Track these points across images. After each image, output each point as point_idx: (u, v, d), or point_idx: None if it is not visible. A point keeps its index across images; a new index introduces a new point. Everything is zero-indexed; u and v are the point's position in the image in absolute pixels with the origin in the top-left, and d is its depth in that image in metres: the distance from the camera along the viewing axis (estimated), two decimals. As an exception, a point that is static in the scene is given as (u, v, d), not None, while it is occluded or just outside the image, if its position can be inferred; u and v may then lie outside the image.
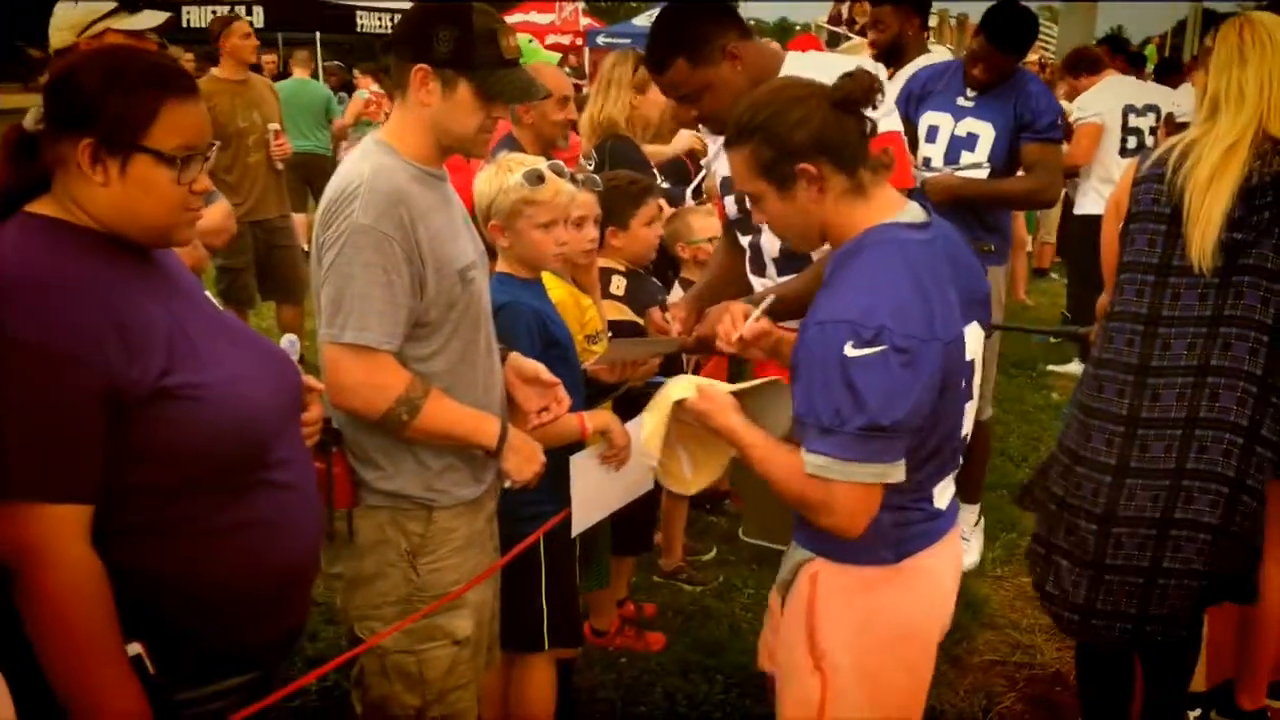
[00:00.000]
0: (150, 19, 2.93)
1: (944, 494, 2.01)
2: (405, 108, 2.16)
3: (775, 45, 3.14)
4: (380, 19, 15.22)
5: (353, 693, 2.31)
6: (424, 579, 2.18)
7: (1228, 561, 2.48)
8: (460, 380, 2.18)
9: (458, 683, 2.25)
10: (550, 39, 20.28)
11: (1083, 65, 6.66)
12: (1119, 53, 7.14)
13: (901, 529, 1.93)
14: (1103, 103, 6.12)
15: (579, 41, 18.37)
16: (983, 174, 4.03)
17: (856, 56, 4.26)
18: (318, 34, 15.11)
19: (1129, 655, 2.80)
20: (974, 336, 1.95)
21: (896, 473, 1.81)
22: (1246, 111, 2.39)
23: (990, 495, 4.60)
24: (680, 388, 2.10)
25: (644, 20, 19.69)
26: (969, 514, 4.28)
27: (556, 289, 2.75)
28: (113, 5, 2.88)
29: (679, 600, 3.89)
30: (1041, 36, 14.32)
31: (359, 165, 2.09)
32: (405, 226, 2.03)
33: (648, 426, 2.12)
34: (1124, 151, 5.96)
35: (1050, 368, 6.73)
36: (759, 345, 2.20)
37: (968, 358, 1.92)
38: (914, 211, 1.93)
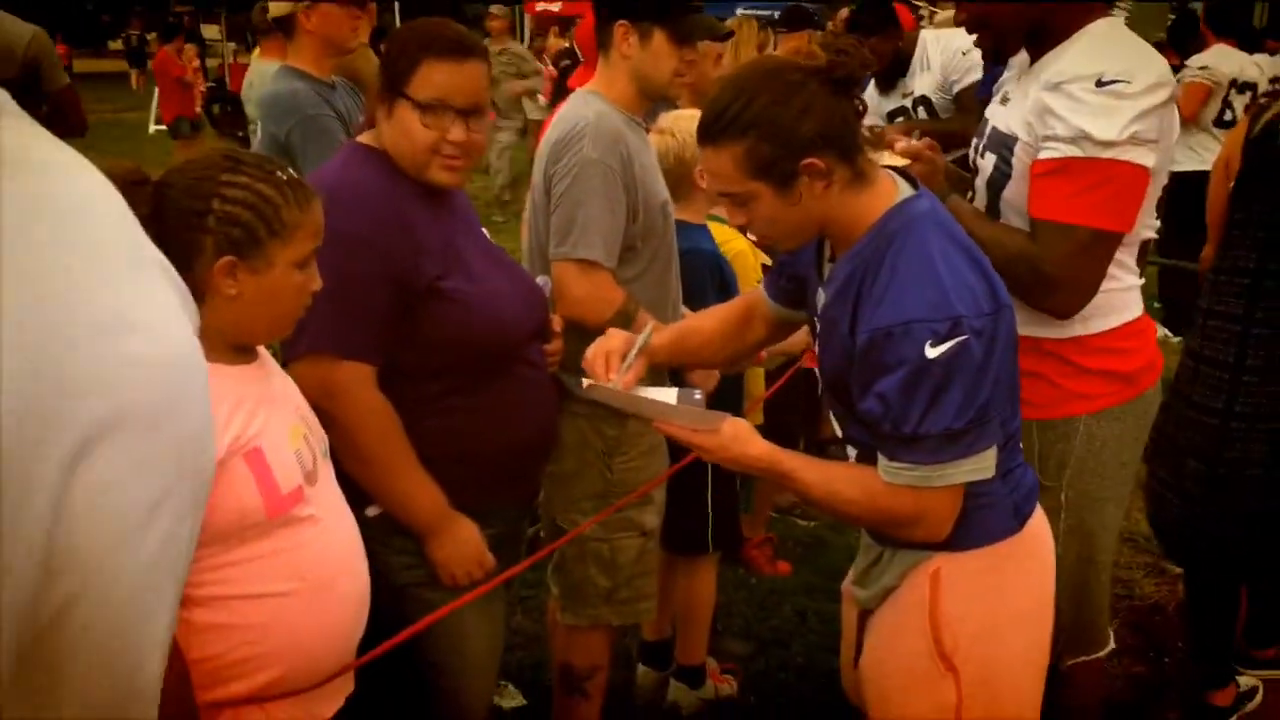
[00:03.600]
0: None
1: None
2: (610, 62, 2.47)
3: None
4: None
5: (550, 576, 2.62)
6: (617, 476, 2.48)
7: None
8: (656, 303, 2.47)
9: (644, 569, 2.56)
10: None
11: (1225, 24, 6.63)
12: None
13: (1017, 490, 1.82)
14: (1217, 67, 6.25)
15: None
16: None
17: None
18: None
19: (1236, 583, 2.99)
20: None
21: (988, 462, 1.68)
22: None
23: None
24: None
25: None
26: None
27: (735, 240, 3.02)
28: None
29: (794, 532, 4.18)
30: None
31: (582, 110, 2.39)
32: (625, 161, 2.34)
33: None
34: (1219, 122, 6.12)
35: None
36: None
37: None
38: (905, 183, 1.77)
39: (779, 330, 2.13)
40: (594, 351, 1.93)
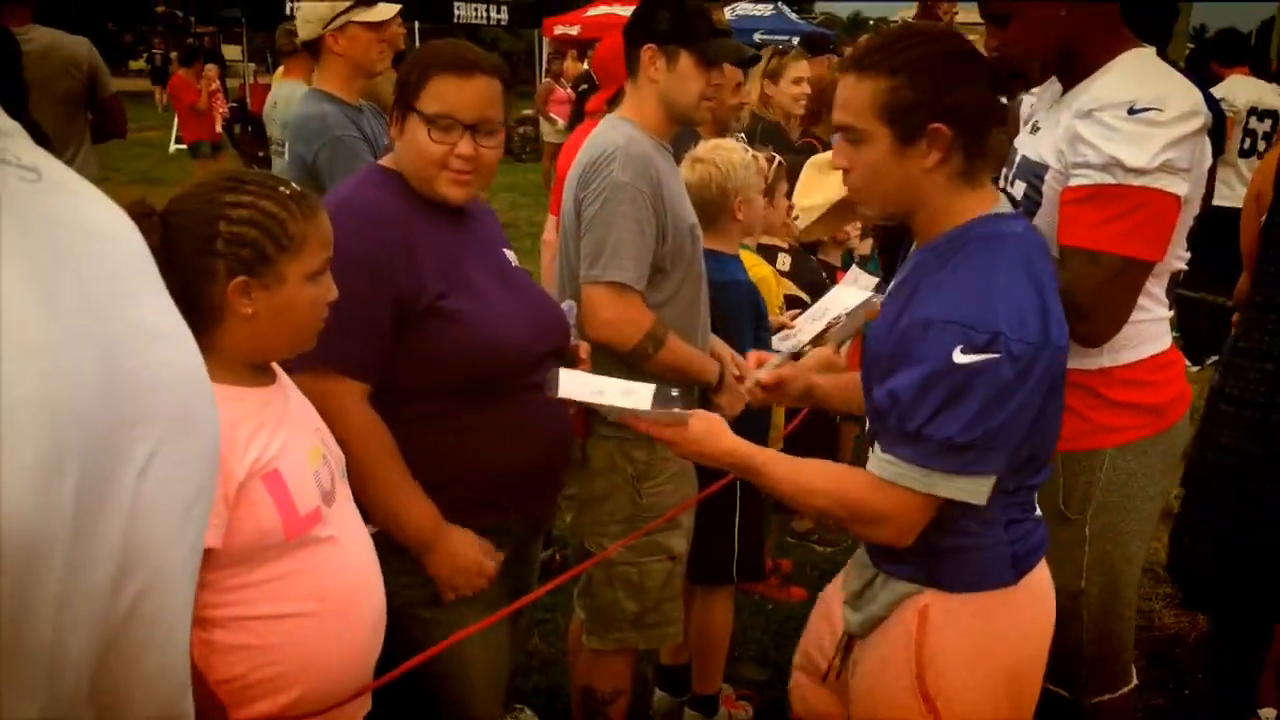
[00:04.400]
0: (386, 10, 3.24)
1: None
2: (638, 87, 2.49)
3: None
4: (476, 9, 15.67)
5: (576, 599, 2.61)
6: (646, 501, 2.47)
7: None
8: (684, 326, 2.47)
9: (671, 594, 2.55)
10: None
11: (1231, 54, 6.72)
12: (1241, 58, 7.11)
13: (1020, 543, 1.77)
14: (1234, 98, 6.26)
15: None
16: None
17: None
18: (416, 23, 15.61)
19: (1265, 621, 2.88)
20: None
21: (982, 489, 1.63)
22: None
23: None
24: None
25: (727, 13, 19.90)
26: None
27: (759, 266, 3.04)
28: (353, 1, 3.19)
29: (812, 558, 4.17)
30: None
31: (611, 135, 2.41)
32: (654, 184, 2.35)
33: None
34: (1241, 152, 6.11)
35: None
36: (783, 392, 2.07)
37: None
38: (1004, 202, 1.76)
39: None
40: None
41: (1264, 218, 2.59)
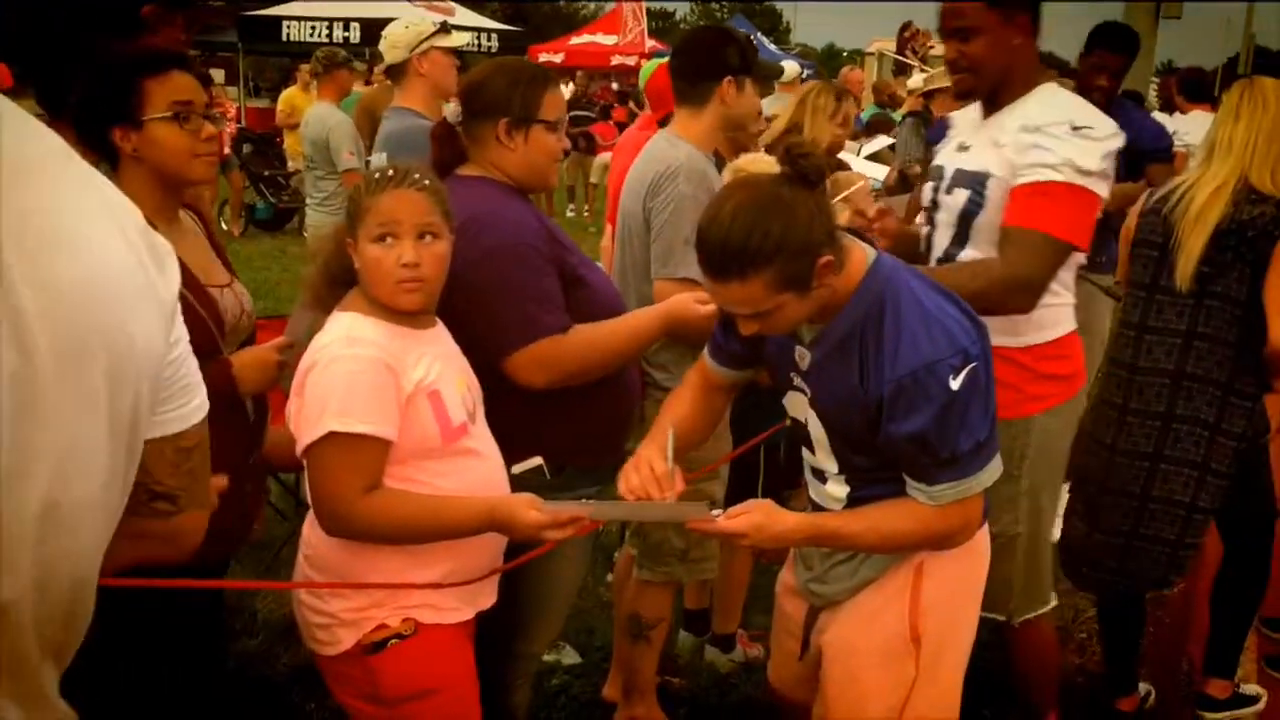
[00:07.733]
0: (460, 37, 3.72)
1: None
2: (698, 112, 2.97)
3: None
4: (467, 37, 16.10)
5: (630, 539, 3.07)
6: (691, 454, 2.77)
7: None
8: None
9: None
10: (615, 59, 21.26)
11: (1196, 91, 7.23)
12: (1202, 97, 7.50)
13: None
14: (1191, 135, 6.77)
15: (643, 62, 19.24)
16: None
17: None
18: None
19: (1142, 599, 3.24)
20: None
21: (1000, 464, 1.96)
22: (1231, 161, 2.81)
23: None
24: None
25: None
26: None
27: None
28: (434, 29, 3.68)
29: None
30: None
31: (673, 152, 2.88)
32: (710, 192, 2.79)
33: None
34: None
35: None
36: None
37: None
38: (863, 243, 1.97)
39: (733, 392, 2.38)
40: (640, 477, 2.02)
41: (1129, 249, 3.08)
